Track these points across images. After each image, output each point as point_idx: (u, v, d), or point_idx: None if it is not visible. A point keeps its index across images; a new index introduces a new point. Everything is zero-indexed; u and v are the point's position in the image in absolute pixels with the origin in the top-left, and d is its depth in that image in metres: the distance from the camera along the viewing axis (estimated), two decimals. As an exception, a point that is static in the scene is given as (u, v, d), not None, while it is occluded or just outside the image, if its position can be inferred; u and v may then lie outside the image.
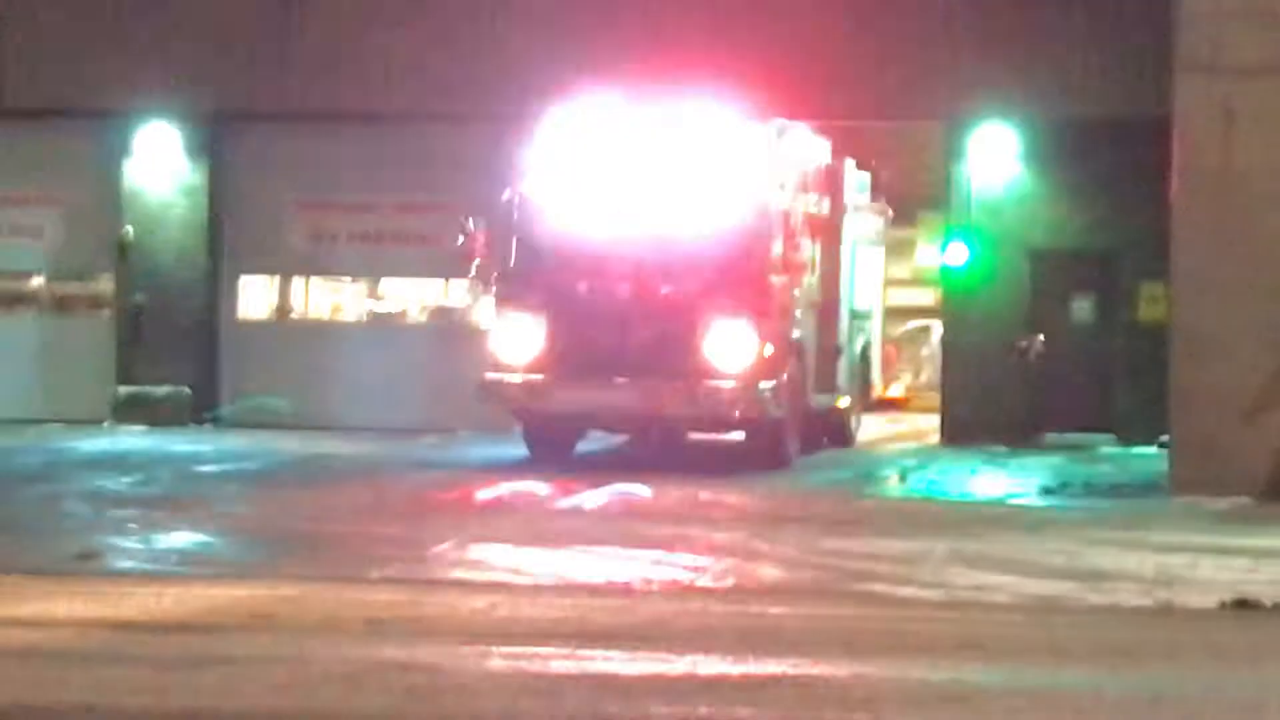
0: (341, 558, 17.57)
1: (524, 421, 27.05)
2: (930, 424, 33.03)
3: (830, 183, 29.21)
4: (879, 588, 15.89)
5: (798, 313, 27.25)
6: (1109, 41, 29.66)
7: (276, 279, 34.44)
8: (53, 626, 13.16)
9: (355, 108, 32.02)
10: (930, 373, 38.93)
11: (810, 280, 28.15)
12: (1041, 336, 31.23)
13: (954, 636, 13.73)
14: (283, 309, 34.59)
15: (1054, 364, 31.11)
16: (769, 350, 25.79)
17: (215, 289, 33.65)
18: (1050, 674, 12.12)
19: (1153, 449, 26.33)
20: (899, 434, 33.99)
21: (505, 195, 26.51)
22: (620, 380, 25.62)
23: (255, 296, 34.53)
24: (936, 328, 36.66)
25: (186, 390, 32.82)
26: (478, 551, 17.91)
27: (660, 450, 27.45)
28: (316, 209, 33.04)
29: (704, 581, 16.48)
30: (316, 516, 20.50)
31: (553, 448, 27.03)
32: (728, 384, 25.45)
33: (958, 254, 31.73)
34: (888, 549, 17.97)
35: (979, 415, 30.95)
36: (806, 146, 28.40)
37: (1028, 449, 29.60)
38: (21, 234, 33.88)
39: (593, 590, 15.51)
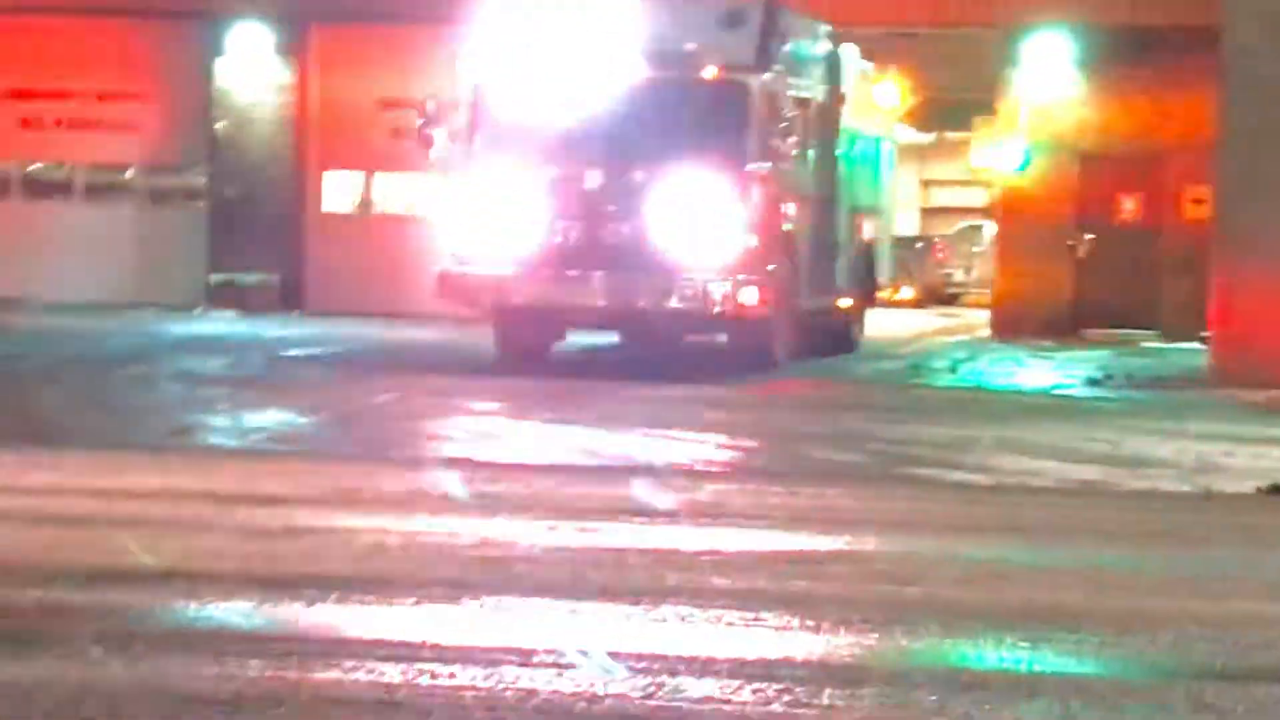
0: (419, 437, 17.63)
1: (495, 319, 23.87)
2: (981, 319, 33.05)
3: (827, 71, 25.94)
4: (929, 472, 15.88)
5: (787, 205, 23.68)
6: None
7: (360, 174, 34.54)
8: (148, 497, 13.24)
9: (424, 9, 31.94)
10: (981, 269, 38.96)
11: (802, 171, 24.54)
12: (1090, 236, 31.19)
13: (1000, 518, 13.75)
14: (365, 203, 34.70)
15: (1101, 262, 31.08)
16: (752, 242, 22.41)
17: (302, 183, 33.76)
18: (1093, 554, 12.10)
19: (1194, 344, 26.19)
20: (950, 328, 33.96)
21: (464, 78, 23.31)
22: (595, 274, 22.27)
23: (339, 191, 34.63)
24: (988, 227, 36.65)
25: (275, 278, 32.97)
26: (551, 432, 17.96)
27: (650, 351, 24.98)
28: (397, 107, 33.04)
29: (760, 463, 16.51)
30: (396, 398, 20.59)
31: (526, 349, 24.06)
32: (708, 277, 22.13)
33: (1011, 156, 31.68)
34: (937, 435, 17.93)
35: (1028, 310, 30.95)
36: (799, 30, 24.83)
37: (1074, 343, 29.55)
38: (118, 129, 34.01)
39: (656, 471, 15.52)
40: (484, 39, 22.81)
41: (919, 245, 45.44)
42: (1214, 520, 13.85)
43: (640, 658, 8.51)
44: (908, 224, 48.98)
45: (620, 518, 12.79)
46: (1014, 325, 30.88)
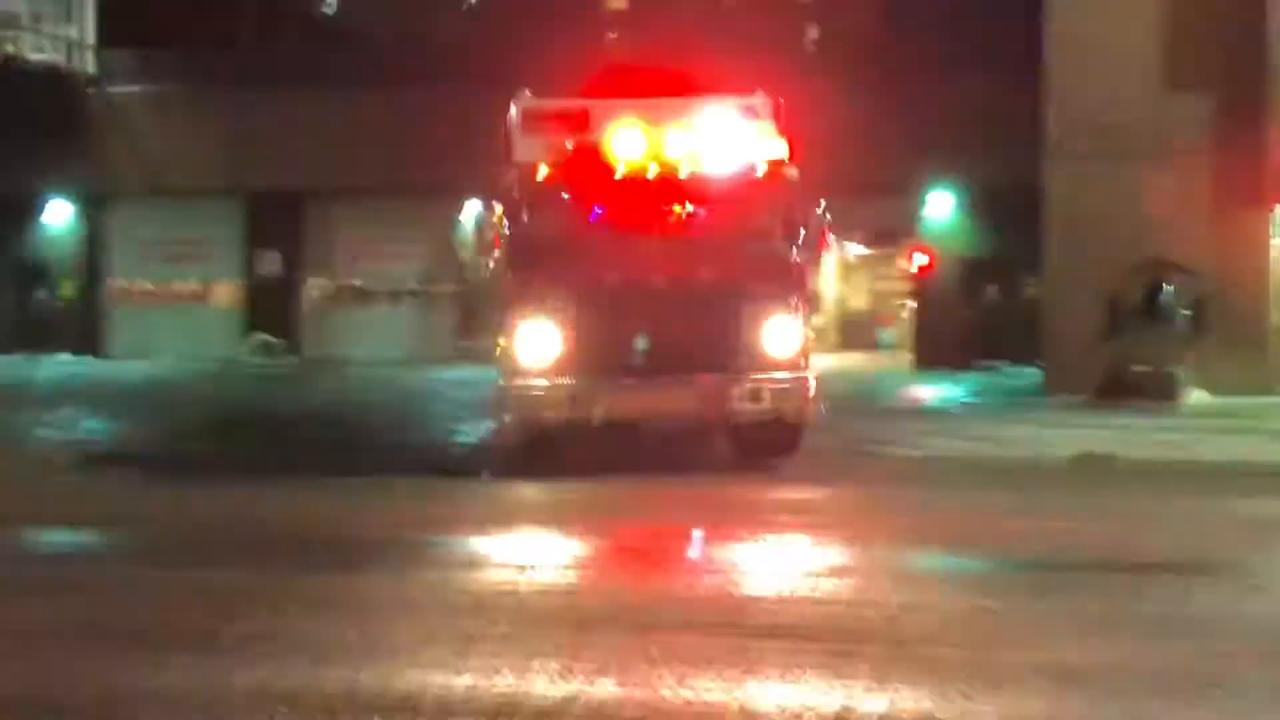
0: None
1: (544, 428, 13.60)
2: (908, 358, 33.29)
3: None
4: (883, 449, 15.76)
5: (815, 296, 15.78)
6: (1006, 137, 29.41)
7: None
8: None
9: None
10: (908, 328, 38.93)
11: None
12: (970, 308, 31.51)
13: (916, 475, 13.78)
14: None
15: (977, 322, 31.28)
16: (808, 334, 14.14)
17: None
18: (982, 495, 12.17)
19: (1034, 369, 26.05)
20: (887, 366, 34.07)
21: (514, 182, 14.06)
22: (676, 378, 13.32)
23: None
24: (910, 303, 36.75)
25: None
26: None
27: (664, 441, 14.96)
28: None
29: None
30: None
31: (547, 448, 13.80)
32: (786, 374, 13.55)
33: (922, 262, 31.96)
34: (884, 431, 17.53)
35: (935, 352, 31.16)
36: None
37: (964, 370, 29.51)
38: (406, 258, 34.51)
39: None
40: (524, 158, 14.09)
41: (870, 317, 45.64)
42: (1050, 476, 13.88)
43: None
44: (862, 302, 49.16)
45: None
46: (926, 363, 31.00)
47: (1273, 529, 10.45)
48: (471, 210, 15.02)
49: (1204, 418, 18.41)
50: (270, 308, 34.25)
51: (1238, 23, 22.03)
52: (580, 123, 14.04)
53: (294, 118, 33.43)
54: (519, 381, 13.41)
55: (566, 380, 13.39)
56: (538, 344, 13.48)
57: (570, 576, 8.46)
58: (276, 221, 34.42)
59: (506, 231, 13.80)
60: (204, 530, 10.26)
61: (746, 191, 13.96)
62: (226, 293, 35.66)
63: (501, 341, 13.68)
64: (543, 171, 13.86)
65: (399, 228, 34.63)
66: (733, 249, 13.83)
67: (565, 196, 13.94)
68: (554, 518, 10.70)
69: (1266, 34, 21.81)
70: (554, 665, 6.31)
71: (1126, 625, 7.13)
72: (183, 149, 34.21)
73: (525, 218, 13.84)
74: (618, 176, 13.79)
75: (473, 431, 17.54)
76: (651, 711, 5.63)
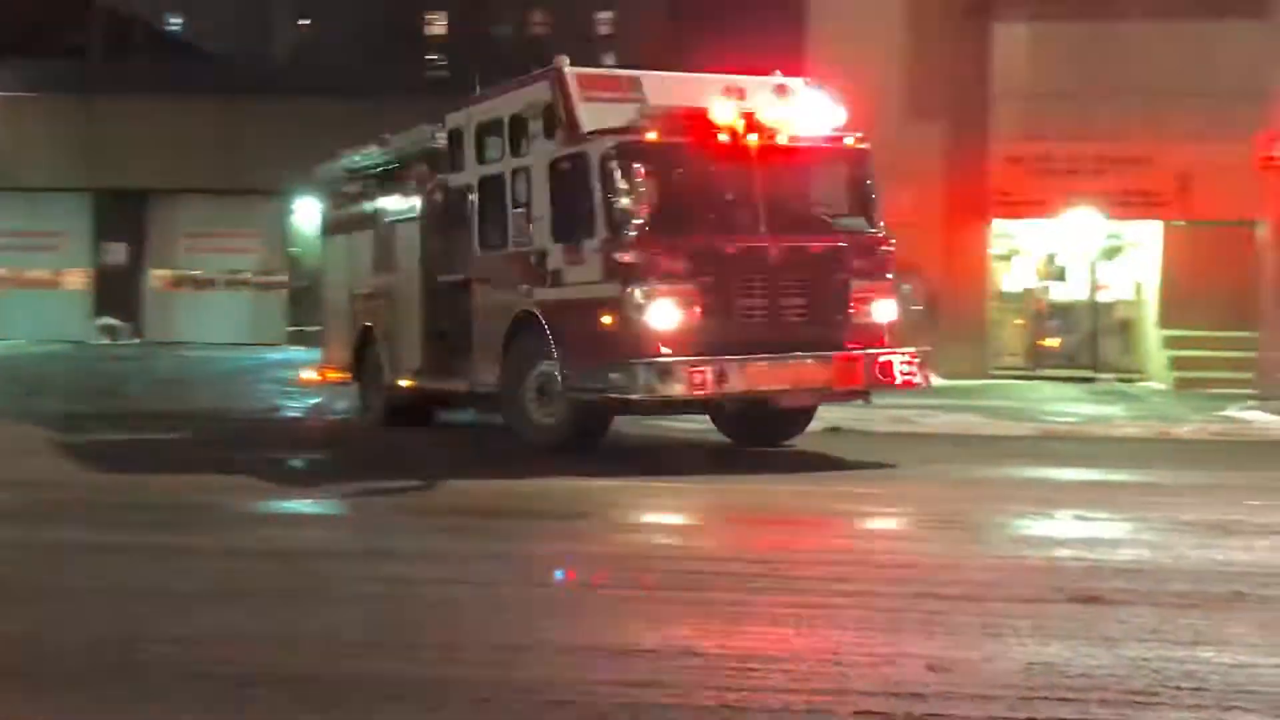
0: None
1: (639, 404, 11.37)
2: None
3: None
4: (671, 431, 15.52)
5: None
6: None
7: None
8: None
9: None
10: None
11: None
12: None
13: (701, 450, 13.73)
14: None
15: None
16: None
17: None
18: (755, 467, 12.23)
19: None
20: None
21: (612, 150, 11.23)
22: (802, 355, 11.53)
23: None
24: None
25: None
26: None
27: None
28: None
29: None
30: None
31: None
32: (903, 349, 12.13)
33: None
34: (666, 414, 16.14)
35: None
36: None
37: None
38: (244, 251, 33.99)
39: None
40: (591, 125, 11.57)
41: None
42: (809, 445, 14.13)
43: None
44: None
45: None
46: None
47: (980, 488, 10.92)
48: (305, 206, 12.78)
49: (933, 396, 19.04)
50: (116, 294, 33.65)
51: (968, 61, 22.82)
52: (639, 92, 11.93)
53: (139, 123, 32.90)
54: (645, 359, 10.93)
55: (692, 358, 11.13)
56: (666, 317, 11.13)
57: (386, 538, 8.41)
58: (123, 216, 33.98)
59: (614, 200, 11.11)
60: (51, 494, 9.89)
61: (839, 162, 12.20)
62: (76, 280, 34.92)
63: (609, 316, 11.11)
64: (651, 136, 11.35)
65: (234, 223, 34.19)
66: (838, 220, 12.18)
67: (681, 163, 11.52)
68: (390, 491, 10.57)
69: (990, 72, 22.62)
70: (361, 611, 6.31)
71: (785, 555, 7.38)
72: (37, 150, 33.75)
73: (633, 186, 11.14)
74: (725, 141, 11.55)
75: (303, 407, 17.29)
76: (454, 650, 5.64)
